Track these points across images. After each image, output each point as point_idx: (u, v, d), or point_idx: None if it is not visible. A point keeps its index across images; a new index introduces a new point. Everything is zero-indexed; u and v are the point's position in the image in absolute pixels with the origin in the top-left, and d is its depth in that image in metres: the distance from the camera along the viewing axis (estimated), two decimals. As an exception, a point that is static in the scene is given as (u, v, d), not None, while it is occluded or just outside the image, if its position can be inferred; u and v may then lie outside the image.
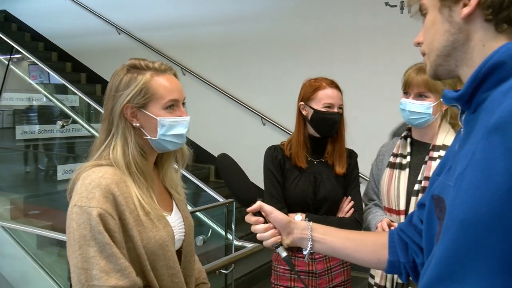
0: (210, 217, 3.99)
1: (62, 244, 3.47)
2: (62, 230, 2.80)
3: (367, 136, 4.22)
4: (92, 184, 1.16)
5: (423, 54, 0.89)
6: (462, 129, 0.85)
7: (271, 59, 5.37)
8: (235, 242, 3.55)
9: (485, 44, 0.78)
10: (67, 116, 4.73)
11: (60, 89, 5.31)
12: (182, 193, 1.44)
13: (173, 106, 1.28)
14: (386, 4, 4.49)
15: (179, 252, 1.36)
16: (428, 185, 0.98)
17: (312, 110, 1.94)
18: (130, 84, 1.25)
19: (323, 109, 1.92)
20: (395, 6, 4.44)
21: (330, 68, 4.64)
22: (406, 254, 1.09)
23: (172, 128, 1.27)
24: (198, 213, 3.88)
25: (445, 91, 0.84)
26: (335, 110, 1.94)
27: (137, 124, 1.26)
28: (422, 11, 0.88)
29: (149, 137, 1.27)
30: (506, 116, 0.66)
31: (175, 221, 1.35)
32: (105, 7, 6.79)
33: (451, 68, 0.84)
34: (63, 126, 4.35)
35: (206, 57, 5.90)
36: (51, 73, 4.96)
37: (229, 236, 3.62)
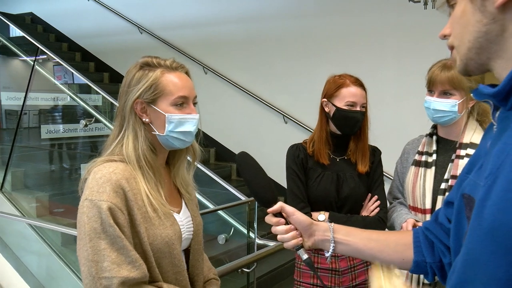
0: (232, 216, 3.98)
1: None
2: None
3: (391, 134, 4.16)
4: (103, 179, 1.18)
5: (451, 48, 0.84)
6: (494, 126, 0.80)
7: (294, 57, 5.33)
8: (257, 241, 3.56)
9: None
10: (90, 116, 4.78)
11: (84, 89, 5.39)
12: (192, 193, 1.44)
13: (182, 103, 1.29)
14: (410, 0, 4.41)
15: (187, 251, 1.37)
16: (457, 182, 0.95)
17: (335, 108, 1.92)
18: (141, 80, 1.27)
19: (345, 107, 1.90)
20: (419, 1, 4.35)
21: (354, 65, 4.59)
22: (433, 253, 1.06)
23: (180, 125, 1.28)
24: (220, 212, 3.87)
25: (480, 87, 0.79)
26: (358, 108, 1.91)
27: (147, 120, 1.28)
28: (450, 2, 0.84)
29: (157, 132, 1.29)
30: None
31: (184, 219, 1.35)
32: (127, 6, 6.85)
33: (483, 61, 0.78)
34: (86, 125, 4.40)
35: (228, 55, 5.88)
36: (75, 73, 5.03)
37: (251, 234, 3.62)
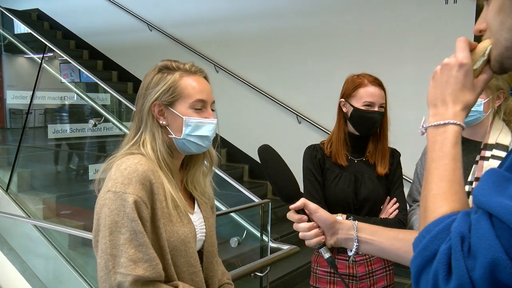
0: (245, 218, 3.90)
1: (91, 243, 3.40)
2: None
3: (411, 135, 4.01)
4: (128, 170, 1.18)
5: None
6: None
7: (309, 56, 5.23)
8: (271, 244, 3.47)
9: None
10: (98, 115, 4.71)
11: (91, 88, 5.33)
12: (209, 198, 1.45)
13: (201, 107, 1.31)
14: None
15: (200, 253, 1.38)
16: None
17: (352, 108, 1.91)
18: (159, 83, 1.29)
19: (363, 108, 1.89)
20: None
21: (372, 65, 4.45)
22: None
23: (197, 129, 1.30)
24: (232, 214, 3.81)
25: None
26: (376, 109, 1.90)
27: (164, 122, 1.29)
28: None
29: (174, 136, 1.29)
30: None
31: (197, 221, 1.36)
32: (136, 3, 6.77)
33: None
34: (95, 125, 4.32)
35: (240, 54, 5.80)
36: (83, 71, 4.94)
37: (265, 237, 3.54)
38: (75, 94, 5.20)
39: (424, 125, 0.83)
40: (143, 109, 1.29)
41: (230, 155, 5.82)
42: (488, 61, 0.80)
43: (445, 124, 0.78)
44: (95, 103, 4.50)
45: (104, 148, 5.36)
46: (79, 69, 5.01)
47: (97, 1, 7.11)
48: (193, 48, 6.10)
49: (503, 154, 1.64)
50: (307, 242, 1.11)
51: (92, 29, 7.32)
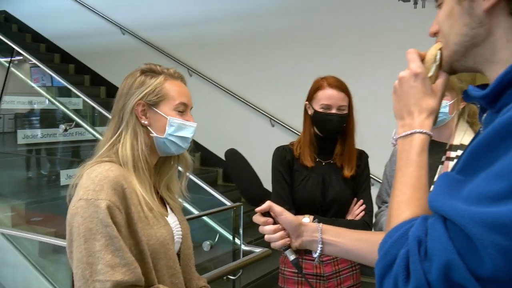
0: (218, 222, 3.90)
1: (65, 251, 3.34)
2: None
3: (380, 136, 4.07)
4: (99, 177, 1.18)
5: None
6: (481, 129, 0.81)
7: (281, 59, 5.25)
8: (243, 247, 3.47)
9: (510, 40, 0.73)
10: (70, 120, 4.63)
11: (64, 92, 5.24)
12: (177, 201, 1.46)
13: (183, 110, 1.36)
14: (399, -1, 4.35)
15: (177, 256, 1.38)
16: None
17: (313, 110, 1.94)
18: (144, 84, 1.33)
19: (321, 110, 1.92)
20: (409, 1, 4.30)
21: (344, 67, 4.51)
22: None
23: (180, 129, 1.34)
24: (205, 218, 3.80)
25: (469, 88, 0.79)
26: (333, 111, 1.91)
27: (145, 122, 1.32)
28: (438, 1, 0.84)
29: (155, 135, 1.32)
30: None
31: (172, 223, 1.38)
32: (109, 6, 6.70)
33: (469, 64, 0.80)
34: (66, 130, 4.26)
35: (213, 57, 5.79)
36: (54, 75, 4.86)
37: (237, 241, 3.53)
38: (46, 99, 5.12)
39: (394, 137, 0.86)
40: (125, 108, 1.31)
41: (204, 159, 5.80)
42: (440, 65, 0.84)
43: (411, 133, 0.81)
44: (66, 108, 4.43)
45: (76, 154, 5.27)
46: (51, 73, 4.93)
47: (68, 4, 7.01)
48: (167, 51, 6.07)
49: None
50: (272, 245, 1.13)
51: (63, 32, 7.20)
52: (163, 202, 1.43)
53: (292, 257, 1.12)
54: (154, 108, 1.32)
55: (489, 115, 0.78)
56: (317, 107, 1.92)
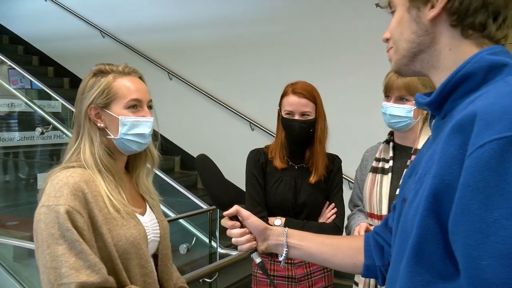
0: (195, 225, 3.91)
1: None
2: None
3: (359, 140, 4.13)
4: (60, 184, 1.19)
5: (389, 49, 0.90)
6: (431, 134, 0.88)
7: (261, 63, 5.28)
8: (220, 250, 3.53)
9: (451, 49, 0.80)
10: (47, 123, 4.58)
11: (43, 95, 5.21)
12: (155, 198, 1.47)
13: (136, 106, 1.33)
14: (377, 5, 4.41)
15: (155, 256, 1.39)
16: (400, 186, 1.01)
17: (281, 116, 1.98)
18: (93, 86, 1.31)
19: (285, 116, 1.95)
20: (386, 7, 4.37)
21: (323, 72, 4.57)
22: (382, 257, 1.10)
23: (134, 127, 1.32)
24: (182, 221, 3.82)
25: (416, 96, 0.86)
26: (296, 117, 1.93)
27: (102, 125, 1.32)
28: (391, 8, 0.89)
29: (112, 136, 1.32)
30: (464, 117, 0.67)
31: (148, 222, 1.37)
32: (89, 9, 6.65)
33: (417, 69, 0.86)
34: (42, 133, 4.22)
35: (193, 61, 5.78)
36: (31, 78, 4.81)
37: (214, 244, 3.56)
38: (24, 101, 5.06)
39: None
40: (81, 113, 1.31)
41: (184, 163, 5.79)
42: None
43: None
44: (43, 110, 4.39)
45: (54, 157, 5.22)
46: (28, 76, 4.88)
47: (47, 6, 6.95)
48: (147, 55, 6.05)
49: None
50: (239, 247, 1.15)
51: (42, 34, 7.12)
52: (143, 199, 1.43)
53: (258, 259, 1.15)
54: (106, 110, 1.31)
55: (437, 121, 0.84)
56: (283, 113, 1.96)
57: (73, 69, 6.85)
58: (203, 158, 1.19)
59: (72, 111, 4.64)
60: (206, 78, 5.66)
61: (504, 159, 0.60)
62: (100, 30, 6.47)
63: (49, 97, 5.05)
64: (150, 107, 1.38)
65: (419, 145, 1.83)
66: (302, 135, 1.95)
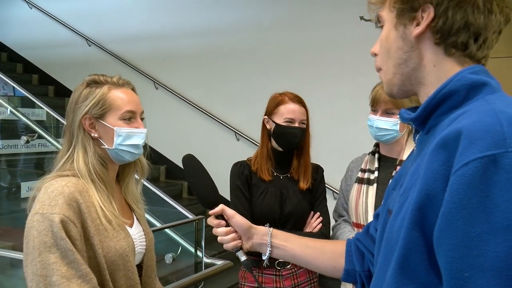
0: (180, 235, 3.91)
1: (21, 265, 3.27)
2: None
3: (342, 151, 4.18)
4: (55, 192, 1.20)
5: (379, 70, 0.92)
6: (415, 148, 0.90)
7: (248, 73, 5.31)
8: (205, 260, 3.51)
9: (436, 65, 0.83)
10: (32, 131, 4.54)
11: (27, 103, 5.15)
12: (142, 208, 1.49)
13: (130, 118, 1.36)
14: (361, 18, 4.49)
15: (139, 267, 1.40)
16: (385, 197, 1.03)
17: (274, 124, 1.97)
18: (88, 96, 1.32)
19: (284, 124, 1.95)
20: (370, 20, 4.45)
21: (308, 82, 4.62)
22: (362, 263, 1.13)
23: (128, 138, 1.34)
24: (167, 230, 3.81)
25: (401, 111, 0.89)
26: (296, 125, 1.96)
27: (96, 135, 1.33)
28: (380, 23, 0.92)
29: (106, 146, 1.33)
30: (448, 135, 0.69)
31: (136, 234, 1.38)
32: (75, 17, 6.63)
33: (407, 88, 0.88)
34: (28, 141, 4.17)
35: (179, 71, 5.80)
36: (14, 85, 4.77)
37: (199, 253, 3.56)
38: (7, 109, 5.01)
39: None
40: (74, 123, 1.32)
41: (169, 172, 5.78)
42: None
43: None
44: (28, 118, 4.35)
45: (39, 165, 5.15)
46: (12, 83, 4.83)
47: (31, 13, 6.91)
48: (133, 64, 6.05)
49: None
50: (225, 246, 1.18)
51: (27, 42, 7.06)
52: (131, 210, 1.45)
53: (243, 258, 1.17)
54: (101, 121, 1.33)
55: (421, 136, 0.87)
56: (280, 121, 1.95)
57: (58, 77, 6.80)
58: (190, 157, 1.22)
59: (57, 120, 4.63)
60: (192, 88, 5.68)
61: (486, 177, 0.63)
62: (86, 39, 6.45)
63: (33, 105, 5.01)
64: (142, 119, 1.41)
65: (405, 157, 1.86)
66: (298, 143, 1.98)
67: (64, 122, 4.04)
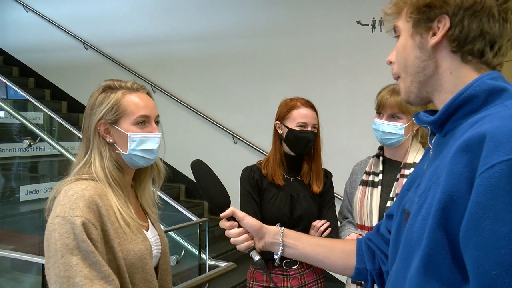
0: (183, 237, 3.92)
1: (22, 268, 3.28)
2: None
3: (342, 155, 4.24)
4: (75, 196, 1.21)
5: (397, 78, 0.95)
6: (431, 150, 0.92)
7: (246, 77, 5.35)
8: (209, 262, 3.54)
9: (452, 72, 0.85)
10: (28, 134, 4.51)
11: (20, 105, 5.11)
12: (155, 213, 1.50)
13: (144, 122, 1.36)
14: (358, 23, 4.57)
15: (155, 270, 1.40)
16: (398, 198, 1.04)
17: (287, 129, 2.00)
18: (103, 102, 1.34)
19: (297, 128, 1.98)
20: (367, 25, 4.52)
21: (305, 87, 4.67)
22: (373, 261, 1.15)
23: (142, 143, 1.34)
24: (170, 233, 3.81)
25: (420, 114, 0.91)
26: (309, 129, 1.99)
27: (111, 140, 1.34)
28: (396, 33, 0.94)
29: (121, 151, 1.34)
30: (471, 138, 0.71)
31: (152, 237, 1.39)
32: (72, 21, 6.62)
33: (423, 95, 0.91)
34: (30, 145, 4.16)
35: (177, 75, 5.83)
36: (13, 87, 4.75)
37: (203, 255, 3.58)
38: (3, 112, 4.97)
39: None
40: (90, 128, 1.34)
41: (167, 175, 5.78)
42: None
43: None
44: (30, 122, 4.34)
45: (36, 169, 5.13)
46: (6, 85, 4.80)
47: (28, 17, 6.89)
48: (130, 68, 6.07)
49: None
50: (238, 247, 1.20)
51: (23, 45, 7.03)
52: (146, 215, 1.45)
53: (256, 257, 1.19)
54: (115, 126, 1.33)
55: (438, 139, 0.89)
56: (293, 126, 1.98)
57: (55, 81, 6.78)
58: (199, 162, 1.25)
59: (53, 122, 4.60)
60: (190, 92, 5.71)
61: None
62: (83, 42, 6.45)
63: (26, 108, 4.96)
64: (157, 122, 1.41)
65: (409, 160, 1.92)
66: (310, 146, 2.01)
67: (64, 124, 4.05)
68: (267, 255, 1.27)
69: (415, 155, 1.93)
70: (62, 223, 1.18)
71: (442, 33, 0.84)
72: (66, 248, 1.16)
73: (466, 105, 0.82)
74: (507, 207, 0.65)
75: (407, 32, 0.90)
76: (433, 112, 0.90)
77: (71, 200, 1.20)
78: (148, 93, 1.42)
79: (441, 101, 0.88)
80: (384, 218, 1.16)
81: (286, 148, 2.05)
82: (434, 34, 0.85)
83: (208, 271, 3.37)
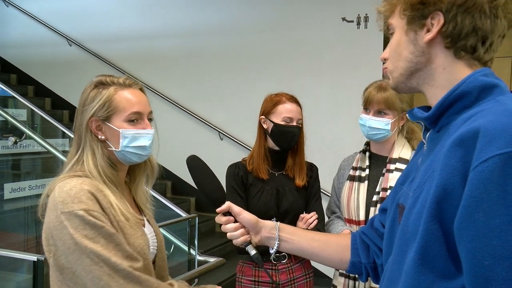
0: (172, 233, 3.93)
1: (8, 267, 3.25)
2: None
3: (327, 150, 4.29)
4: (74, 190, 1.20)
5: (390, 72, 0.96)
6: (425, 145, 0.94)
7: (231, 73, 5.35)
8: (198, 257, 3.57)
9: (445, 68, 0.87)
10: (11, 131, 4.45)
11: (1, 102, 5.03)
12: (150, 209, 1.49)
13: (136, 119, 1.34)
14: (343, 19, 4.61)
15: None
16: (392, 192, 1.07)
17: (272, 124, 2.01)
18: (95, 98, 1.31)
19: (282, 123, 2.00)
20: (352, 21, 4.56)
21: (290, 82, 4.71)
22: (368, 255, 1.17)
23: (134, 140, 1.32)
24: (160, 229, 3.78)
25: (414, 110, 0.93)
26: (294, 123, 2.01)
27: (102, 137, 1.32)
28: (390, 30, 0.96)
29: (113, 149, 1.32)
30: (465, 133, 0.73)
31: (148, 234, 1.38)
32: (55, 16, 6.52)
33: (413, 85, 0.93)
34: (15, 142, 4.10)
35: (161, 70, 5.80)
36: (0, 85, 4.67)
37: (192, 251, 3.61)
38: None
39: None
40: (81, 125, 1.32)
41: (160, 172, 5.75)
42: None
43: None
44: (15, 119, 4.27)
45: (19, 166, 5.07)
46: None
47: (8, 11, 6.77)
48: (114, 64, 6.01)
49: (404, 167, 1.85)
50: (234, 241, 1.21)
51: (5, 40, 6.90)
52: (140, 212, 1.45)
53: (253, 252, 1.20)
54: (107, 123, 1.31)
55: (432, 134, 0.91)
56: (278, 120, 2.00)
57: (38, 77, 6.67)
58: (194, 158, 1.26)
59: (36, 119, 4.54)
60: (175, 87, 5.68)
61: (505, 172, 0.68)
62: (67, 38, 6.37)
63: (6, 105, 4.88)
64: (150, 120, 1.39)
65: (394, 155, 1.96)
66: (296, 141, 2.03)
67: (50, 120, 3.97)
68: (259, 249, 1.27)
69: (400, 150, 1.97)
70: (70, 218, 1.16)
71: (436, 29, 0.86)
72: (87, 238, 1.16)
73: (459, 101, 0.84)
74: (500, 200, 0.68)
75: (401, 29, 0.92)
76: (427, 108, 0.93)
77: (71, 195, 1.19)
78: (141, 89, 1.40)
79: (433, 96, 0.91)
80: (378, 212, 1.19)
81: (270, 143, 2.06)
82: (428, 31, 0.87)
83: (197, 266, 3.39)
